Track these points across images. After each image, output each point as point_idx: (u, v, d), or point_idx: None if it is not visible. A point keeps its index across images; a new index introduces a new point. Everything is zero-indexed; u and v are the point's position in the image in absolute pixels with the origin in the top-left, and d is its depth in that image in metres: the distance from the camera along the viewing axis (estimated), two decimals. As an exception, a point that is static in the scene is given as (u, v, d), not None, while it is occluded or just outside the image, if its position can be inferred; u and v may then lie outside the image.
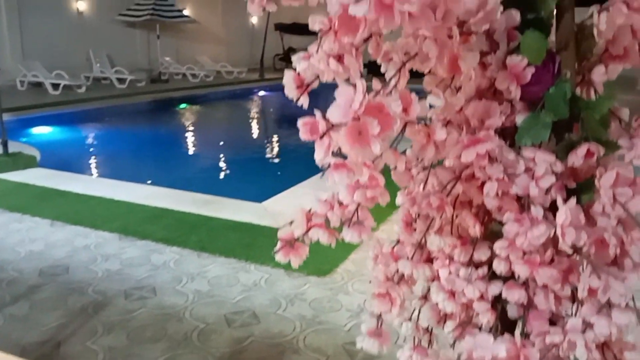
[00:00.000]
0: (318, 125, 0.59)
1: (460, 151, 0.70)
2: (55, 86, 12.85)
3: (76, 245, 4.06)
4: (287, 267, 3.68)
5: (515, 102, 0.73)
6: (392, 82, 0.66)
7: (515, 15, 0.72)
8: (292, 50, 23.94)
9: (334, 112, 0.60)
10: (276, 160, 8.93)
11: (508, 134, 0.76)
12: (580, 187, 0.74)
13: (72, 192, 5.34)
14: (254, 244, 4.09)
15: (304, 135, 0.61)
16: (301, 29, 23.14)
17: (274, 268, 3.68)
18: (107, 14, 16.12)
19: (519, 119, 0.74)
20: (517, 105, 0.73)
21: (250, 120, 13.51)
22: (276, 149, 9.82)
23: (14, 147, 6.96)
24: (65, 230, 4.37)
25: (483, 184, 0.73)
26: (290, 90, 0.69)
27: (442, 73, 0.72)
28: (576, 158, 0.70)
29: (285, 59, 23.72)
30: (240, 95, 15.96)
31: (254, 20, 23.33)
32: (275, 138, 10.97)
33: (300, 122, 0.62)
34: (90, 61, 15.24)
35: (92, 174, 6.93)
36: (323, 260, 3.72)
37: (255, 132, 11.98)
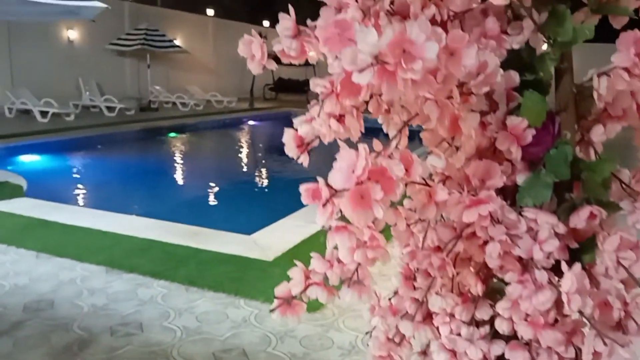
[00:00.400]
0: (320, 191, 0.58)
1: (462, 211, 0.70)
2: (44, 114, 12.81)
3: (61, 278, 3.98)
4: (277, 302, 3.64)
5: (515, 161, 0.73)
6: (394, 143, 0.65)
7: (515, 77, 0.72)
8: (281, 80, 24.20)
9: (336, 177, 0.59)
10: (266, 191, 8.92)
11: (508, 192, 0.75)
12: (582, 247, 0.74)
13: (59, 222, 5.27)
14: (243, 277, 4.04)
15: (305, 200, 0.60)
16: (291, 60, 23.40)
17: (264, 303, 3.62)
18: (97, 43, 16.20)
19: (520, 179, 0.73)
20: (517, 164, 0.73)
21: (240, 150, 13.53)
22: (266, 180, 9.81)
23: (0, 175, 6.89)
24: (50, 262, 4.29)
25: (485, 242, 0.72)
26: (291, 149, 0.68)
27: (442, 133, 0.72)
28: (579, 220, 0.69)
29: (275, 89, 23.95)
30: (230, 125, 16.01)
31: (245, 50, 23.55)
32: (264, 168, 10.97)
33: (302, 188, 0.61)
34: (80, 89, 15.25)
35: (79, 204, 6.86)
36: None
37: (244, 162, 11.98)
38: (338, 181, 0.59)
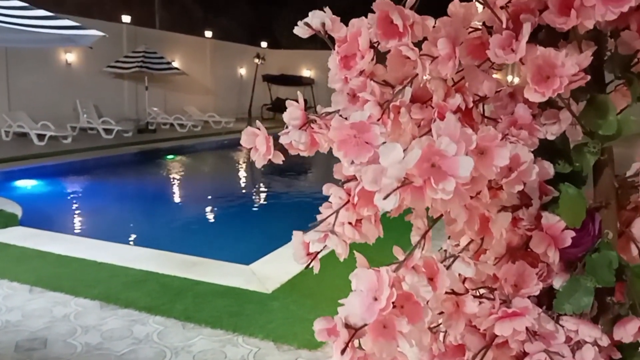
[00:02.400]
0: (337, 330, 0.50)
1: (494, 323, 0.62)
2: (41, 137, 12.75)
3: (55, 314, 3.87)
4: (277, 339, 3.54)
5: (552, 264, 0.65)
6: (417, 253, 0.58)
7: (549, 169, 0.65)
8: (279, 100, 24.25)
9: (355, 306, 0.51)
10: (264, 217, 8.81)
11: (543, 295, 0.68)
12: (624, 357, 0.66)
13: (54, 253, 5.17)
14: (241, 312, 3.94)
15: (320, 338, 0.52)
16: (288, 80, 23.50)
17: (263, 340, 3.52)
18: (96, 65, 16.20)
19: (556, 282, 0.66)
20: (553, 267, 0.66)
21: (238, 173, 13.46)
22: (264, 204, 9.72)
23: (-5, 203, 6.80)
24: (44, 297, 4.18)
25: (518, 354, 0.64)
26: (300, 257, 0.60)
27: (470, 235, 0.64)
28: (625, 334, 0.62)
29: (273, 109, 23.97)
30: (228, 146, 15.95)
31: (243, 71, 23.65)
32: (263, 193, 10.88)
33: (316, 325, 0.53)
34: (77, 111, 15.21)
35: (74, 233, 6.74)
36: (313, 332, 3.57)
37: (243, 185, 11.90)
38: (357, 312, 0.51)
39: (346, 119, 0.65)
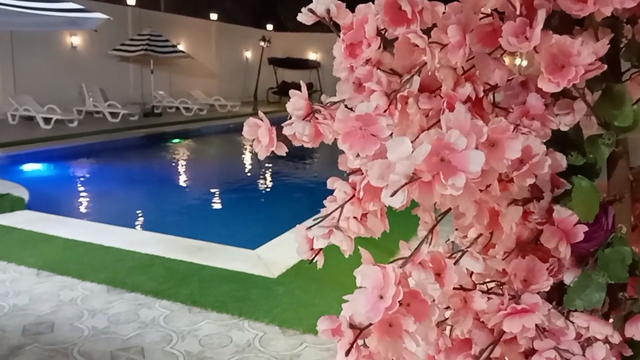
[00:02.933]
0: (341, 330, 0.48)
1: (503, 319, 0.60)
2: (47, 120, 12.76)
3: (62, 298, 3.90)
4: (282, 324, 3.55)
5: (563, 259, 0.63)
6: (425, 249, 0.56)
7: (561, 161, 0.63)
8: (285, 84, 24.14)
9: (360, 304, 0.49)
10: (271, 201, 8.81)
11: (553, 290, 0.66)
12: (636, 354, 0.64)
13: (60, 237, 5.19)
14: (247, 297, 3.95)
15: (325, 335, 0.51)
16: (294, 63, 23.37)
17: (269, 325, 3.53)
18: (101, 49, 16.15)
19: (567, 277, 0.64)
20: (565, 262, 0.64)
21: (244, 157, 13.44)
22: (270, 189, 9.71)
23: (2, 186, 6.82)
24: (51, 281, 4.20)
25: (527, 350, 0.63)
26: (303, 251, 0.59)
27: (479, 229, 0.62)
28: (637, 331, 0.60)
29: (279, 92, 23.88)
30: (234, 130, 15.92)
31: (248, 54, 23.52)
32: (269, 176, 10.86)
33: (320, 323, 0.52)
34: (83, 95, 15.20)
35: (81, 217, 6.75)
36: (318, 316, 3.56)
37: (249, 169, 11.89)
38: (362, 310, 0.49)
39: (351, 109, 0.63)
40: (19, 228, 5.44)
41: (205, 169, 11.35)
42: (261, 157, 0.62)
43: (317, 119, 0.63)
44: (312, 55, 24.75)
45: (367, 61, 0.57)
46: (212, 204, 8.35)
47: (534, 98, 0.62)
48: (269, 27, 24.60)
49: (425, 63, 0.58)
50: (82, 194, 8.75)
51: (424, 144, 0.44)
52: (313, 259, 0.59)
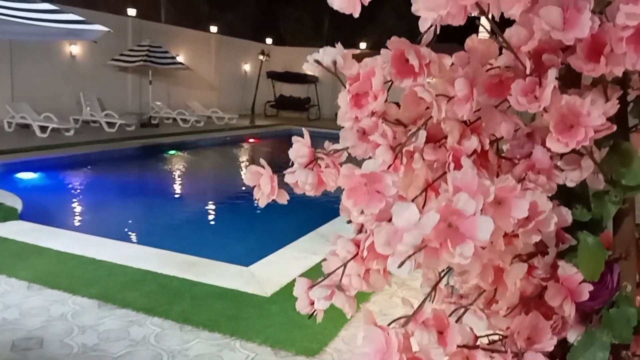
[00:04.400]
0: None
1: (505, 379, 0.59)
2: (44, 129, 12.72)
3: (52, 313, 3.85)
4: (274, 345, 3.51)
5: (567, 317, 0.62)
6: (428, 308, 0.55)
7: (567, 215, 0.62)
8: (283, 97, 24.21)
9: (362, 369, 0.48)
10: (266, 216, 8.77)
11: (556, 346, 0.65)
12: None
13: (53, 249, 5.14)
14: (239, 315, 3.92)
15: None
16: (292, 78, 23.44)
17: (261, 345, 3.50)
18: (100, 58, 16.17)
19: (571, 335, 0.63)
20: (568, 320, 0.62)
21: (240, 170, 13.42)
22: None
23: (-4, 196, 6.78)
24: (42, 295, 4.15)
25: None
26: (303, 306, 0.57)
27: (483, 285, 0.61)
28: (643, 394, 0.59)
29: (277, 106, 23.94)
30: (231, 142, 15.94)
31: (247, 67, 23.60)
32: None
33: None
34: (81, 104, 15.18)
35: (74, 228, 6.70)
36: (311, 338, 3.56)
37: (244, 183, 11.85)
38: (364, 376, 0.48)
39: (355, 157, 0.62)
40: (11, 239, 5.39)
41: (200, 182, 11.32)
42: (262, 204, 0.60)
43: (319, 166, 0.62)
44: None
45: (373, 113, 0.56)
46: (207, 218, 8.31)
47: (540, 152, 0.61)
48: (269, 41, 24.73)
49: (431, 116, 0.57)
50: (76, 205, 8.70)
51: (432, 212, 0.43)
52: (312, 313, 0.57)
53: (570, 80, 0.62)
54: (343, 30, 23.56)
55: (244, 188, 11.32)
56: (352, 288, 0.55)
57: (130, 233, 6.88)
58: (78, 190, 9.62)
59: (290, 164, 0.62)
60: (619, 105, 0.53)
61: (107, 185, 9.86)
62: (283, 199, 0.60)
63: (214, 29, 21.62)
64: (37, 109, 13.34)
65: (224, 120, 18.73)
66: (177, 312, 3.91)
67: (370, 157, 0.59)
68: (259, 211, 9.05)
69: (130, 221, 7.55)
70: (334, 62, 0.55)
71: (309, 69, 0.57)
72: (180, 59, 18.68)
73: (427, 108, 0.59)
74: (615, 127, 0.52)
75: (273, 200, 0.60)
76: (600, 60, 0.50)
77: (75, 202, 8.93)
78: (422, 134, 0.55)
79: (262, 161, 0.60)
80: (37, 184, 9.57)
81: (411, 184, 0.59)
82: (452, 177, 0.50)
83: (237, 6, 27.10)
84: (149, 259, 4.98)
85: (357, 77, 0.56)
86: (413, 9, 0.54)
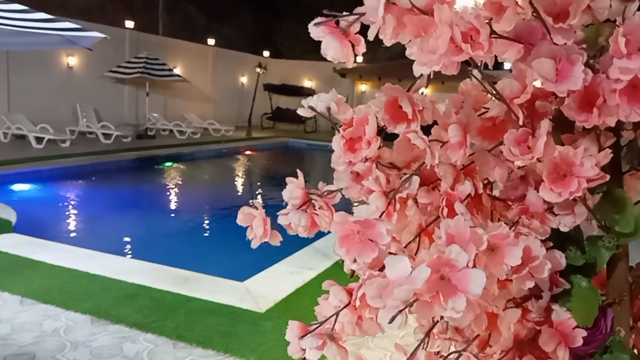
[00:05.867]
0: None
1: None
2: (39, 140, 12.70)
3: (45, 328, 3.81)
4: (269, 363, 3.49)
5: (561, 362, 0.62)
6: (421, 356, 0.54)
7: (560, 259, 0.62)
8: (279, 110, 24.27)
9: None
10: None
11: (550, 390, 0.64)
12: None
13: (46, 263, 5.11)
14: (233, 332, 3.89)
15: None
16: (289, 90, 23.51)
17: (254, 363, 3.47)
18: (97, 70, 16.19)
19: (565, 380, 0.62)
20: (562, 364, 0.62)
21: (236, 183, 13.42)
22: (260, 216, 9.66)
23: (-11, 208, 6.74)
24: (34, 309, 4.12)
25: None
26: (295, 351, 0.57)
27: (477, 330, 0.61)
28: None
29: (273, 118, 23.98)
30: (227, 154, 15.93)
31: (244, 80, 23.68)
32: (262, 204, 10.80)
33: None
34: (77, 115, 15.17)
35: (67, 242, 6.65)
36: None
37: (240, 196, 11.84)
38: None
39: (349, 198, 0.62)
40: (4, 252, 5.35)
41: (196, 195, 11.30)
42: (254, 246, 0.60)
43: (313, 206, 0.62)
44: (307, 83, 24.95)
45: (366, 159, 0.56)
46: (202, 231, 8.29)
47: (534, 196, 0.61)
48: (266, 53, 24.83)
49: (424, 162, 0.57)
50: (70, 218, 8.66)
51: (424, 266, 0.42)
52: None
53: (563, 124, 0.62)
54: (340, 44, 23.61)
55: (239, 201, 11.31)
56: (344, 334, 0.55)
57: (124, 246, 6.85)
58: (72, 203, 9.58)
59: (284, 204, 0.62)
60: (612, 155, 0.53)
61: (101, 198, 9.82)
62: (276, 240, 0.60)
63: (211, 41, 21.70)
64: (34, 120, 13.33)
65: (221, 132, 18.74)
66: (170, 328, 3.89)
67: (363, 200, 0.59)
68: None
69: (124, 234, 7.51)
70: (328, 109, 0.55)
71: (303, 113, 0.57)
72: (177, 71, 18.73)
73: (421, 154, 0.59)
74: (608, 177, 0.52)
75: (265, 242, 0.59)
76: (593, 112, 0.50)
77: (69, 214, 8.89)
78: (416, 180, 0.55)
79: (256, 202, 0.60)
80: (31, 196, 9.53)
81: (405, 227, 0.59)
82: (445, 225, 0.50)
83: (234, 19, 27.24)
84: (143, 273, 4.95)
85: (350, 122, 0.56)
86: (407, 52, 0.55)
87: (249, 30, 27.73)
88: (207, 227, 8.65)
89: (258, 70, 21.51)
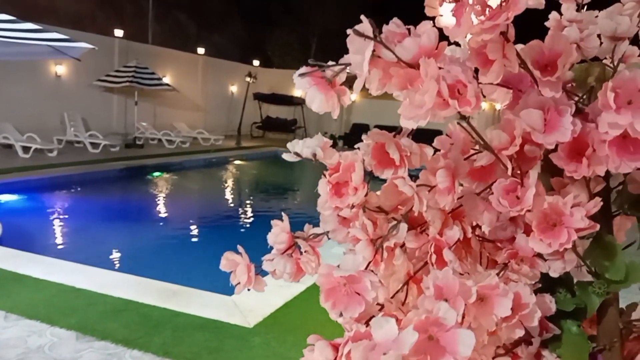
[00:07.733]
0: None
1: None
2: (26, 149, 12.58)
3: (29, 345, 3.75)
4: (257, 379, 3.45)
5: (552, 410, 0.60)
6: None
7: (550, 304, 0.61)
8: (269, 119, 24.27)
9: None
10: (251, 241, 8.70)
11: None
12: None
13: (31, 277, 5.03)
14: (221, 347, 3.85)
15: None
16: (279, 99, 23.55)
17: (242, 380, 3.43)
18: (85, 79, 16.11)
19: None
20: (553, 411, 0.61)
21: (225, 193, 13.36)
22: (252, 228, 9.61)
23: (-26, 220, 6.65)
24: (19, 325, 4.05)
25: None
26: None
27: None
28: None
29: (263, 127, 23.98)
30: (216, 164, 15.88)
31: (234, 89, 23.67)
32: (250, 215, 10.77)
33: None
34: (65, 124, 15.07)
35: (54, 255, 6.56)
36: (295, 372, 3.50)
37: (229, 207, 11.79)
38: None
39: (336, 241, 0.61)
40: (-12, 265, 5.27)
41: (184, 205, 11.23)
42: (237, 293, 0.59)
43: (299, 250, 0.60)
44: (297, 92, 25.00)
45: (353, 205, 0.55)
46: (190, 244, 8.22)
47: (523, 240, 0.60)
48: (256, 62, 24.86)
49: (412, 207, 0.56)
50: (56, 230, 8.56)
51: (411, 330, 0.41)
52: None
53: (552, 167, 0.61)
54: (329, 54, 23.70)
55: (228, 212, 11.25)
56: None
57: (111, 259, 6.78)
58: (59, 214, 9.47)
59: (269, 249, 0.61)
60: (602, 203, 0.52)
61: (89, 209, 9.73)
62: (261, 287, 0.58)
63: (201, 50, 21.69)
64: (21, 129, 13.21)
65: (210, 142, 18.69)
66: (157, 344, 3.83)
67: (350, 245, 0.58)
68: (243, 237, 8.99)
69: (111, 247, 7.43)
70: (314, 155, 0.54)
71: (288, 158, 0.56)
72: (167, 80, 18.68)
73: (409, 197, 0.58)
74: (598, 227, 0.51)
75: (248, 289, 0.58)
76: (582, 162, 0.49)
77: (55, 226, 8.79)
78: (403, 228, 0.54)
79: (240, 248, 0.58)
80: (17, 207, 9.42)
81: (392, 274, 0.57)
82: (434, 277, 0.48)
83: (224, 28, 27.27)
84: (129, 287, 4.90)
85: (337, 167, 0.55)
86: (394, 95, 0.54)
87: (240, 39, 27.77)
88: (195, 239, 8.59)
89: (248, 79, 21.51)
